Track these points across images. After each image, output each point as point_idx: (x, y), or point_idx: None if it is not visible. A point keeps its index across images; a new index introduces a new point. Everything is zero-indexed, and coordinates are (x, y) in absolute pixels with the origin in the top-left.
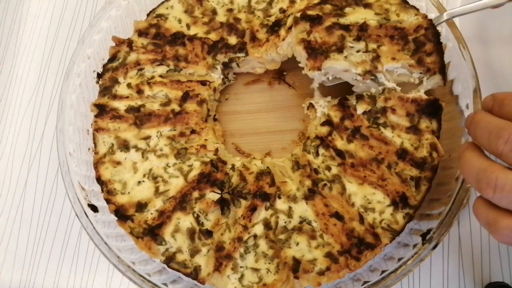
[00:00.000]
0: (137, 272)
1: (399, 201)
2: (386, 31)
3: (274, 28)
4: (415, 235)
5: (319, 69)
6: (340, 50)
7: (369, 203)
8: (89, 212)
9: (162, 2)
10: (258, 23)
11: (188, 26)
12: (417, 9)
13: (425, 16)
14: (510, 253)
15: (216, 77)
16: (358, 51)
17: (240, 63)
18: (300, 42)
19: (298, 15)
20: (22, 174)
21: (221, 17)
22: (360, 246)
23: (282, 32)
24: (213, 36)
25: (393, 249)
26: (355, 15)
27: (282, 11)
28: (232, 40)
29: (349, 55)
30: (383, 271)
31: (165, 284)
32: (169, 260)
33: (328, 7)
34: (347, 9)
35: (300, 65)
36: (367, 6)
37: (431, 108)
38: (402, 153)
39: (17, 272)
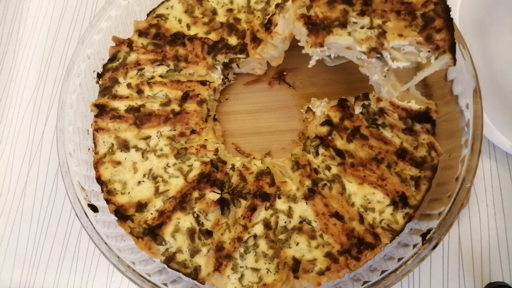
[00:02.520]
0: (137, 272)
1: (399, 201)
2: (392, 6)
3: (267, 25)
4: (415, 235)
5: (321, 45)
6: (343, 25)
7: (369, 203)
8: (89, 212)
9: (162, 2)
10: (258, 23)
11: (188, 26)
12: None
13: None
14: (510, 253)
15: (216, 77)
16: (362, 27)
17: (240, 64)
18: (299, 18)
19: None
20: (22, 174)
21: (221, 17)
22: (360, 246)
23: (275, 18)
24: (213, 36)
25: (393, 249)
26: None
27: (276, 5)
28: (233, 40)
29: (352, 31)
30: (383, 271)
31: (165, 284)
32: (169, 260)
33: None
34: None
35: (300, 44)
36: None
37: (422, 117)
38: (402, 153)
39: (17, 272)
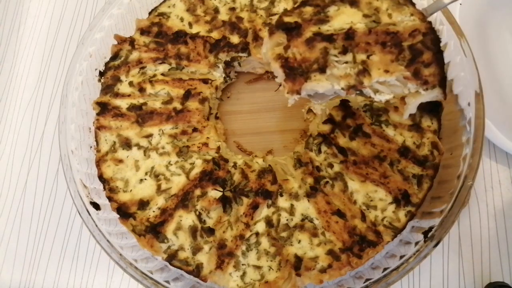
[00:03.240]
0: (139, 270)
1: (401, 199)
2: (376, 37)
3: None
4: (417, 233)
5: (298, 92)
6: (322, 69)
7: (371, 200)
8: (90, 208)
9: (164, 1)
10: (261, 22)
11: (190, 24)
12: (413, 4)
13: (422, 17)
14: (510, 253)
15: (218, 75)
16: (345, 63)
17: (242, 63)
18: (276, 59)
19: (274, 22)
20: (22, 174)
21: (223, 15)
22: (362, 243)
23: (263, 35)
24: (215, 35)
25: (395, 246)
26: (340, 19)
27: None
28: (235, 39)
29: (332, 68)
30: (385, 269)
31: (167, 282)
32: (171, 257)
33: (308, 10)
34: (331, 10)
35: (277, 80)
36: (353, 3)
37: (431, 105)
38: (404, 151)
39: (17, 272)
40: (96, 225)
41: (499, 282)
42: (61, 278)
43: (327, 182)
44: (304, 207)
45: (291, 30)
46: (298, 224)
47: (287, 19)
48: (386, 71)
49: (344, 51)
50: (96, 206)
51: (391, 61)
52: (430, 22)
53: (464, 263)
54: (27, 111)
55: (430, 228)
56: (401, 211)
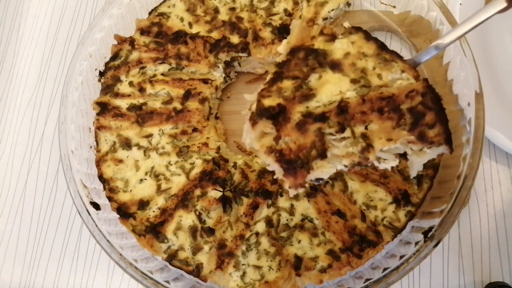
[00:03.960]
0: (139, 270)
1: (401, 199)
2: (371, 105)
3: (281, 32)
4: (417, 233)
5: (302, 186)
6: (323, 155)
7: (371, 200)
8: (90, 208)
9: (164, 1)
10: (261, 22)
11: (190, 24)
12: (401, 58)
13: (416, 73)
14: (510, 253)
15: (218, 75)
16: (343, 139)
17: (242, 63)
18: (268, 153)
19: (254, 110)
20: (22, 174)
21: (223, 15)
22: (362, 243)
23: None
24: (215, 35)
25: (395, 246)
26: (326, 90)
27: (288, 13)
28: (235, 39)
29: (332, 148)
30: (385, 269)
31: (167, 282)
32: (171, 257)
33: (287, 86)
34: (312, 79)
35: (275, 176)
36: (335, 67)
37: None
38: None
39: (17, 272)
40: (96, 225)
41: (499, 282)
42: (61, 278)
43: (327, 182)
44: (304, 207)
45: (277, 116)
46: (298, 224)
47: (267, 102)
48: (389, 140)
49: (341, 129)
50: (96, 206)
51: (392, 128)
52: (426, 80)
53: (464, 263)
54: (27, 111)
55: (430, 228)
56: (401, 211)
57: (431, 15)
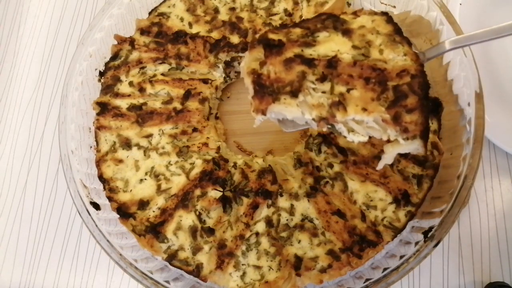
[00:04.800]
0: (139, 270)
1: (401, 199)
2: (361, 71)
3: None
4: (417, 233)
5: (263, 113)
6: (294, 93)
7: (371, 200)
8: (90, 208)
9: (164, 1)
10: (261, 22)
11: (190, 24)
12: (410, 44)
13: (415, 58)
14: (510, 253)
15: (218, 75)
16: (322, 92)
17: (242, 63)
18: (249, 73)
19: (257, 36)
20: (22, 174)
21: (223, 15)
22: (362, 243)
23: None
24: (215, 35)
25: (395, 246)
26: (327, 46)
27: (288, 14)
28: (235, 39)
29: (306, 95)
30: (385, 269)
31: (167, 282)
32: (171, 257)
33: (296, 31)
34: (321, 36)
35: (248, 96)
36: (346, 33)
37: (431, 105)
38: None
39: (17, 272)
40: (96, 225)
41: (499, 282)
42: (61, 278)
43: (327, 182)
44: (304, 207)
45: (272, 47)
46: (298, 224)
47: (271, 35)
48: (364, 109)
49: (322, 79)
50: (96, 206)
51: (372, 100)
52: (422, 65)
53: (464, 263)
54: (27, 111)
55: (430, 228)
56: (401, 211)
57: (431, 15)
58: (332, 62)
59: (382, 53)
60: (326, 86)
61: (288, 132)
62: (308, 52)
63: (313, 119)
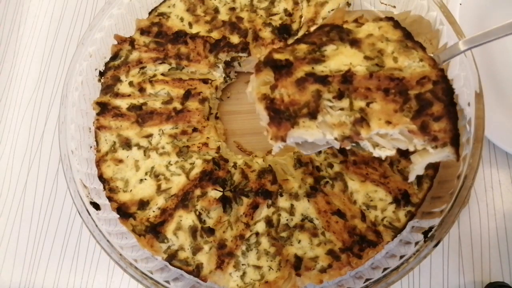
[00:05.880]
0: (139, 270)
1: (401, 199)
2: (378, 83)
3: (282, 32)
4: (417, 233)
5: (283, 139)
6: (313, 115)
7: (371, 200)
8: (90, 208)
9: (164, 1)
10: (261, 22)
11: (190, 24)
12: (423, 49)
13: (433, 63)
14: (510, 253)
15: (218, 75)
16: (340, 109)
17: (242, 63)
18: (261, 99)
19: (262, 58)
20: (22, 174)
21: (223, 15)
22: (362, 243)
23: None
24: (215, 35)
25: (395, 246)
26: (338, 60)
27: (288, 13)
28: (235, 39)
29: (325, 114)
30: (385, 269)
31: (167, 282)
32: (171, 257)
33: (302, 48)
34: (328, 49)
35: (261, 123)
36: (354, 43)
37: None
38: (404, 151)
39: (17, 272)
40: (96, 225)
41: (499, 282)
42: (61, 278)
43: (327, 182)
44: (304, 207)
45: (281, 68)
46: (298, 224)
47: (277, 55)
48: (388, 122)
49: (339, 96)
50: (96, 206)
51: (395, 111)
52: (442, 70)
53: (464, 263)
54: (27, 111)
55: (430, 228)
56: (401, 211)
57: (431, 15)
58: (347, 77)
59: (397, 61)
60: (345, 102)
61: (307, 154)
62: (319, 68)
63: (336, 139)
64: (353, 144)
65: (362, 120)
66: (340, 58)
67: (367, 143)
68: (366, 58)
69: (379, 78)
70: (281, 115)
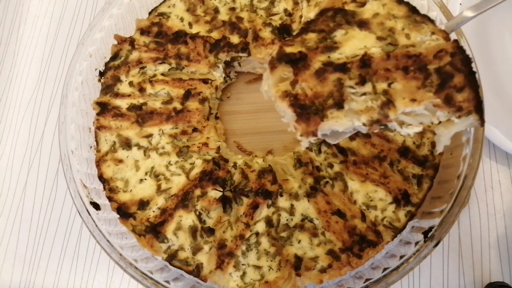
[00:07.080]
0: (139, 270)
1: (401, 199)
2: (396, 62)
3: (282, 32)
4: (417, 233)
5: (314, 134)
6: (339, 104)
7: (371, 200)
8: (90, 208)
9: (164, 1)
10: (261, 22)
11: (190, 24)
12: (432, 22)
13: (445, 35)
14: (510, 253)
15: (218, 75)
16: (363, 94)
17: (242, 63)
18: (283, 97)
19: (274, 54)
20: (22, 174)
21: (223, 15)
22: (362, 243)
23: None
24: (215, 35)
25: (395, 246)
26: (351, 44)
27: (288, 13)
28: (235, 39)
29: (350, 101)
30: (385, 269)
31: (167, 282)
32: (171, 257)
33: (311, 37)
34: (338, 35)
35: (284, 120)
36: (362, 25)
37: None
38: (404, 151)
39: (17, 272)
40: (96, 225)
41: (499, 282)
42: (61, 278)
43: (327, 182)
44: (304, 207)
45: (296, 62)
46: (298, 224)
47: (289, 49)
48: (413, 100)
49: (361, 82)
50: (96, 206)
51: (417, 88)
52: (456, 41)
53: (464, 263)
54: (27, 111)
55: (430, 228)
56: (401, 211)
57: (431, 15)
58: (365, 61)
59: (409, 37)
60: (368, 87)
61: (333, 143)
62: (335, 56)
63: (364, 124)
64: (382, 127)
65: (389, 102)
66: (354, 43)
67: (394, 124)
68: (379, 38)
69: (397, 58)
70: (308, 110)
